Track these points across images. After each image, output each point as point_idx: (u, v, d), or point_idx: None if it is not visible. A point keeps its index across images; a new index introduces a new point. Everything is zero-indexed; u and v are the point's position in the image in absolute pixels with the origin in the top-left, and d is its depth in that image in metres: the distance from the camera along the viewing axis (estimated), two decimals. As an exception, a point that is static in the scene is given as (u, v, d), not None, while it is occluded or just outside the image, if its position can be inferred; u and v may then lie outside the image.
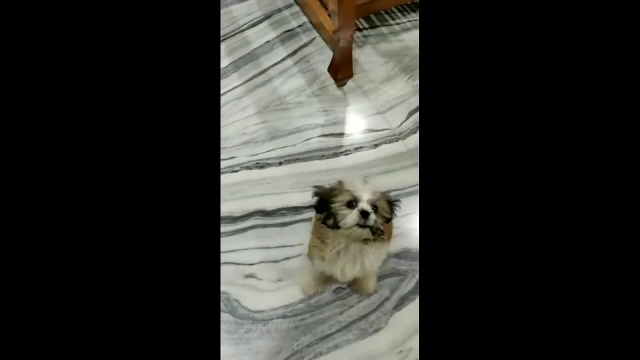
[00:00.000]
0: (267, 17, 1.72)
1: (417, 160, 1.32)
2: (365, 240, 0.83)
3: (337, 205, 0.81)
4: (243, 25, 1.69)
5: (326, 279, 1.06)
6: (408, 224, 1.18)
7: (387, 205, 0.84)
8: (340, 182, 0.86)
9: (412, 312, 1.05)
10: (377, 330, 1.03)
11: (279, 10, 1.75)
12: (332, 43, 1.40)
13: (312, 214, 1.21)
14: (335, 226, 0.82)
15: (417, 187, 1.26)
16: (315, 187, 0.88)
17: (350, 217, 0.79)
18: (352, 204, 0.80)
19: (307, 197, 1.24)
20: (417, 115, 1.42)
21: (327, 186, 0.88)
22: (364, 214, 0.79)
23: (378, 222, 0.81)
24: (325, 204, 0.83)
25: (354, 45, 1.62)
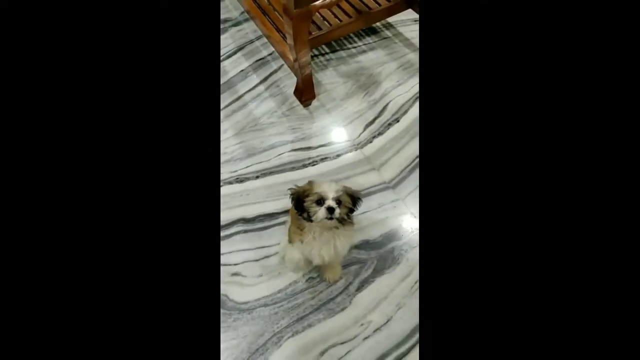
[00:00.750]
0: (240, 48, 1.95)
1: (373, 165, 1.53)
2: (336, 227, 1.06)
3: (309, 203, 1.02)
4: (220, 57, 1.92)
5: (308, 262, 1.25)
6: (366, 220, 1.39)
7: (350, 198, 1.06)
8: (310, 183, 1.07)
9: (371, 292, 1.26)
10: (342, 309, 1.23)
11: (251, 41, 1.98)
12: (294, 70, 1.63)
13: (285, 218, 1.42)
14: (309, 219, 1.04)
15: (373, 188, 1.47)
16: (290, 189, 1.10)
17: (320, 213, 1.01)
18: (320, 201, 1.01)
19: (281, 205, 1.46)
20: (372, 127, 1.64)
21: (300, 187, 1.08)
22: (330, 210, 1.00)
23: (342, 213, 1.03)
24: (300, 203, 1.04)
25: (317, 68, 1.86)
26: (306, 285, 1.28)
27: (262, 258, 1.35)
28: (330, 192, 1.01)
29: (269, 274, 1.31)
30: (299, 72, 1.60)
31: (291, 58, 1.57)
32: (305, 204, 1.03)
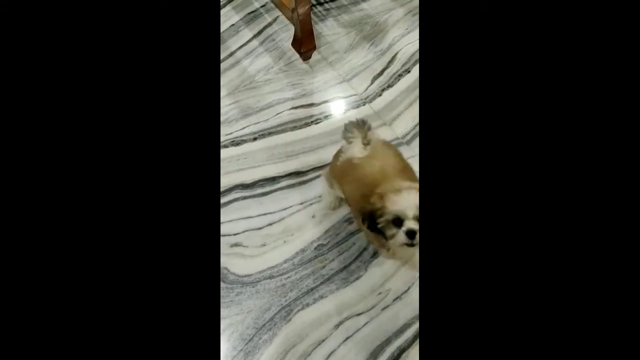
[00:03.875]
0: (229, 0, 1.76)
1: (383, 120, 1.38)
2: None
3: (384, 224, 0.82)
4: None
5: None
6: (379, 180, 1.25)
7: None
8: (381, 196, 0.83)
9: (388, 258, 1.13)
10: (357, 278, 1.10)
11: (241, -7, 1.78)
12: (292, 19, 1.45)
13: (289, 181, 1.28)
14: (385, 238, 0.84)
15: (386, 146, 1.32)
16: (362, 208, 0.88)
17: (399, 238, 0.80)
18: (397, 222, 0.80)
19: (282, 167, 1.31)
20: (380, 79, 1.47)
21: (371, 203, 0.85)
22: (411, 235, 0.78)
23: None
24: (373, 222, 0.84)
25: (316, 19, 1.67)
26: (315, 254, 1.15)
27: (265, 226, 1.21)
28: (410, 209, 0.78)
29: (273, 243, 1.18)
30: (297, 22, 1.43)
31: (290, 5, 1.39)
32: (379, 225, 0.83)
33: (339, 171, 1.02)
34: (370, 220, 0.85)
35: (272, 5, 1.71)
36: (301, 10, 1.37)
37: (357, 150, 0.96)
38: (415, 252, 0.86)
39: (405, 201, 0.79)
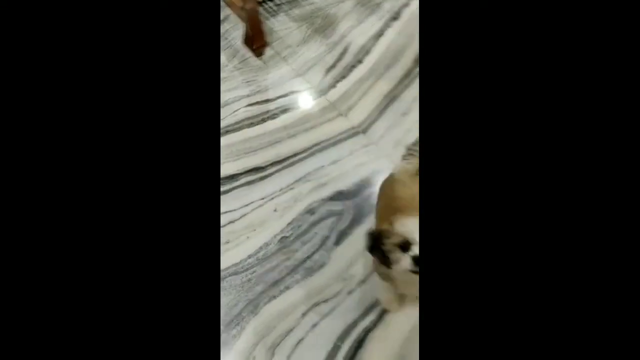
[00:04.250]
0: (178, 2, 1.73)
1: (339, 111, 1.40)
2: None
3: (390, 246, 0.77)
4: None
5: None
6: (338, 169, 1.27)
7: None
8: (391, 222, 0.78)
9: (351, 244, 1.15)
10: (321, 266, 1.12)
11: (190, -7, 1.76)
12: (241, 17, 1.45)
13: (249, 178, 1.28)
14: (388, 266, 0.79)
15: (342, 135, 1.35)
16: (369, 231, 0.84)
17: (403, 263, 0.75)
18: (405, 246, 0.75)
19: (241, 165, 1.31)
20: (333, 71, 1.50)
21: (380, 226, 0.81)
22: (418, 261, 0.72)
23: None
24: (377, 246, 0.79)
25: (267, 14, 1.68)
26: (279, 246, 1.16)
27: (227, 224, 1.20)
28: (418, 235, 0.72)
29: (236, 240, 1.18)
30: (246, 19, 1.43)
31: (239, 3, 1.39)
32: (384, 248, 0.77)
33: (383, 186, 0.99)
34: (374, 242, 0.79)
35: (222, 3, 1.70)
36: (248, 6, 1.37)
37: (409, 168, 0.90)
38: (416, 284, 0.75)
39: (416, 225, 0.71)
